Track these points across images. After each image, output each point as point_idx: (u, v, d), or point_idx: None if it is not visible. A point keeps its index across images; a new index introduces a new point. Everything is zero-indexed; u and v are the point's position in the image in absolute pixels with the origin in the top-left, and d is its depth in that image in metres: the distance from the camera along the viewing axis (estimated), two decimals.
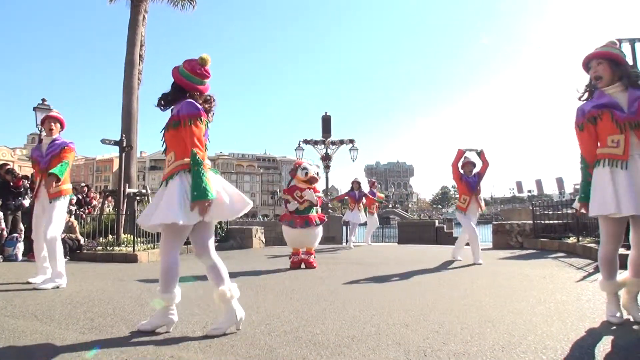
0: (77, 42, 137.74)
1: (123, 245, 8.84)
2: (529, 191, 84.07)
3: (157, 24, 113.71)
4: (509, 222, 11.59)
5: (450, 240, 15.32)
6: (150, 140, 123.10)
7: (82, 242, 8.81)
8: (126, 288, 5.05)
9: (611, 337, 2.70)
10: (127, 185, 10.45)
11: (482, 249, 10.24)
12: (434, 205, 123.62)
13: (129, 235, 9.03)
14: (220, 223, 11.33)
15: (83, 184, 14.89)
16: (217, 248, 8.25)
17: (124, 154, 9.96)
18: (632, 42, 11.26)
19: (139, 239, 8.75)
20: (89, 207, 12.02)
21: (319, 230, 7.02)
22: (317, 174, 7.14)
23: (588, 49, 3.16)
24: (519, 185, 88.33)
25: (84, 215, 10.52)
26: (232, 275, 5.91)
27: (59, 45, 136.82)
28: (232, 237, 11.43)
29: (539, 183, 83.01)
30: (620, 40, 11.24)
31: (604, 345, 2.55)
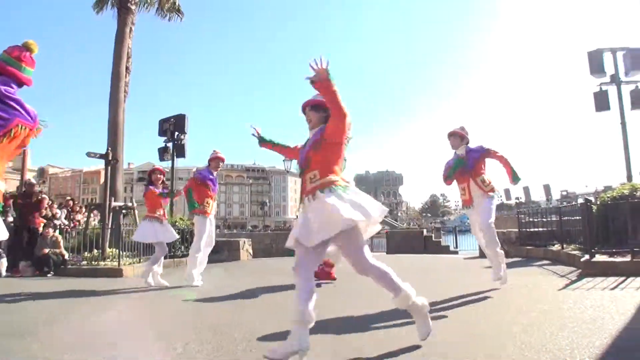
0: (63, 53, 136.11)
1: (108, 260, 8.76)
2: (517, 198, 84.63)
3: (145, 35, 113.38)
4: (495, 230, 11.66)
5: (439, 249, 15.39)
6: (138, 151, 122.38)
7: (66, 257, 8.71)
8: (110, 304, 5.01)
9: (589, 348, 2.73)
10: (113, 198, 10.37)
11: (468, 258, 10.29)
12: (423, 214, 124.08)
13: (114, 249, 8.95)
14: None
15: (68, 198, 14.77)
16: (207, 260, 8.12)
17: (109, 167, 9.90)
18: (614, 51, 11.51)
19: (124, 253, 8.67)
20: (74, 220, 11.91)
21: None
22: None
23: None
24: (507, 193, 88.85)
25: (69, 229, 10.44)
26: (218, 289, 5.90)
27: (44, 55, 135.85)
28: (219, 250, 11.37)
29: (526, 190, 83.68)
30: (601, 50, 11.49)
31: (581, 355, 2.58)
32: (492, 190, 5.41)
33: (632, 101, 11.13)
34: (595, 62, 11.44)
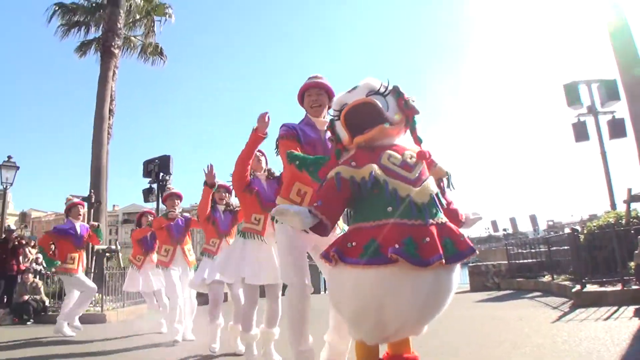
0: (46, 95, 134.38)
1: (91, 305, 8.47)
2: (504, 229, 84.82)
3: (129, 77, 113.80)
4: (485, 263, 11.59)
5: None
6: (123, 193, 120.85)
7: (47, 303, 8.43)
8: (90, 351, 4.80)
9: None
10: None
11: (458, 292, 10.12)
12: None
13: (97, 294, 8.68)
14: None
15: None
16: None
17: (92, 210, 9.74)
18: (588, 83, 11.82)
19: (107, 298, 8.41)
20: None
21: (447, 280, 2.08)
22: None
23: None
24: (494, 224, 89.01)
25: (50, 274, 10.12)
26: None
27: (27, 98, 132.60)
28: None
29: (513, 221, 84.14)
30: (577, 82, 11.79)
31: None
32: None
33: (610, 131, 11.35)
34: (572, 94, 11.69)
